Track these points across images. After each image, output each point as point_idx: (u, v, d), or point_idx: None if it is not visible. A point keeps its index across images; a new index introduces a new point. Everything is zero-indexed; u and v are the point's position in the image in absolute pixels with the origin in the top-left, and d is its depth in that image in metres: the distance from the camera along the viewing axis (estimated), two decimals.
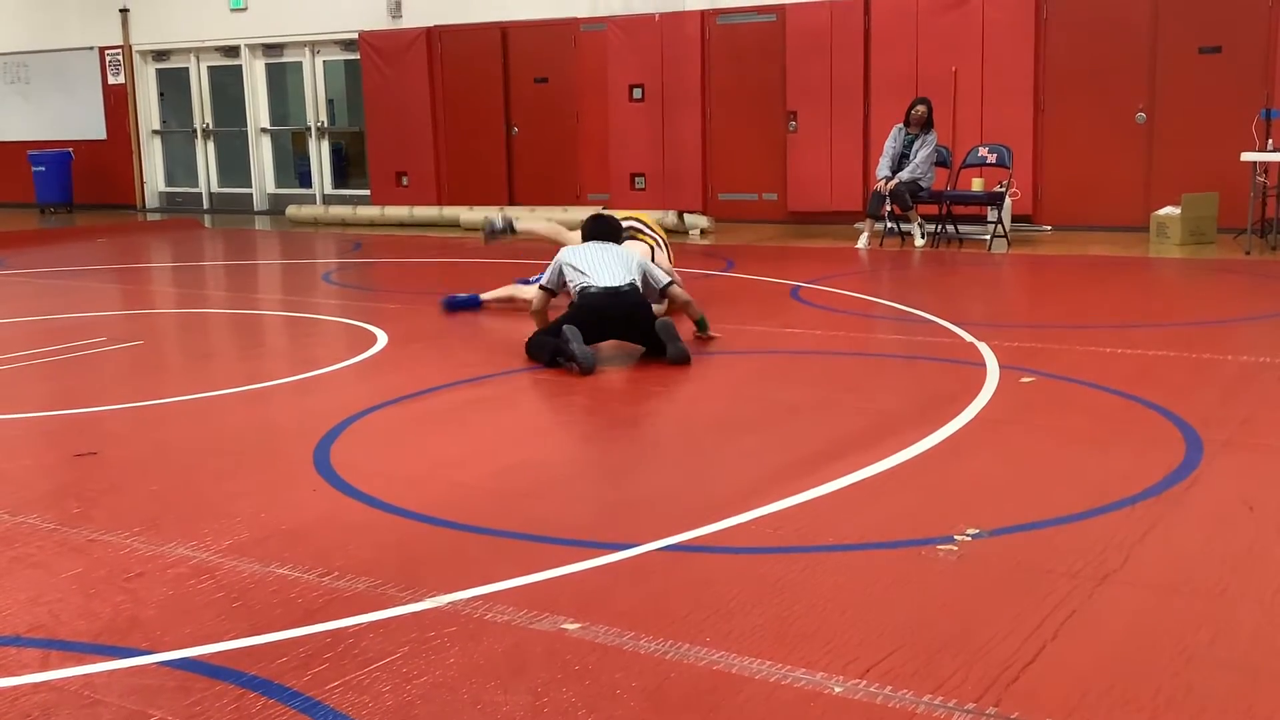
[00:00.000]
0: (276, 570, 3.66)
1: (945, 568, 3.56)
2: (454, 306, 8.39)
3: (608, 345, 6.78)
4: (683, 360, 6.47)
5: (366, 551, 3.81)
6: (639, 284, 6.78)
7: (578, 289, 6.78)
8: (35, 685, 2.96)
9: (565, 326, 6.44)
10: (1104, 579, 3.43)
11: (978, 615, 3.22)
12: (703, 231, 13.45)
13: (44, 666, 3.06)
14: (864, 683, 2.84)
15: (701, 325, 7.14)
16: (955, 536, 3.77)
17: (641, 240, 8.03)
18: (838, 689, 2.82)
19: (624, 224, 7.73)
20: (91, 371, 6.89)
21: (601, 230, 7.19)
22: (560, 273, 6.93)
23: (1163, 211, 11.41)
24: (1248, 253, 10.46)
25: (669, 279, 7.14)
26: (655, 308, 7.01)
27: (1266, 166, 10.78)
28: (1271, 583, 3.42)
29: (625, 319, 6.64)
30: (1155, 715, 2.67)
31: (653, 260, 7.48)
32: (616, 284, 6.68)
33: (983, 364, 6.26)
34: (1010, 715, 2.67)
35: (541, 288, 7.06)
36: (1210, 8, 11.79)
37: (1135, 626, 3.14)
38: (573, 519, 4.13)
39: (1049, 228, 12.69)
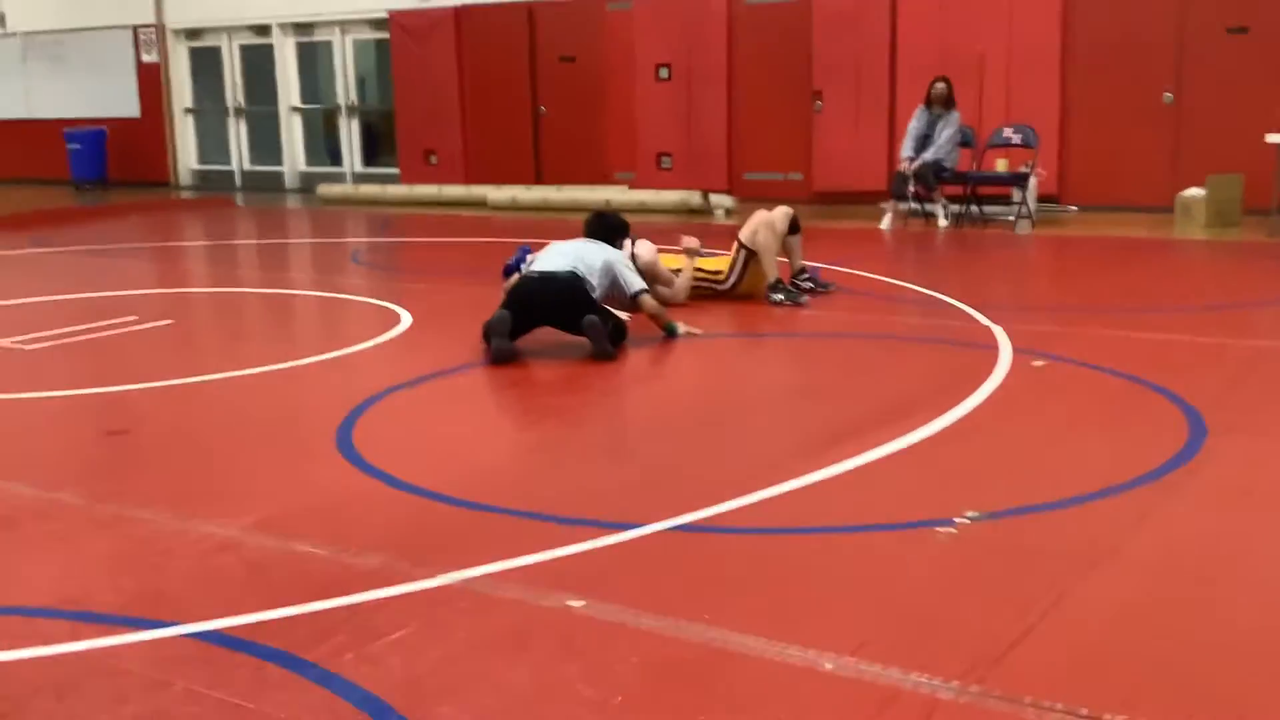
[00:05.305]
0: (296, 546, 3.79)
1: (941, 549, 3.66)
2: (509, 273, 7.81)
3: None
4: (604, 360, 6.29)
5: (383, 529, 3.94)
6: (584, 275, 6.54)
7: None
8: (64, 655, 3.11)
9: (497, 312, 6.36)
10: (1096, 562, 3.51)
11: (968, 596, 3.32)
12: (727, 211, 13.50)
13: (73, 637, 3.21)
14: (854, 660, 2.94)
15: (670, 331, 6.82)
16: (956, 519, 3.86)
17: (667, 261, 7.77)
18: (829, 665, 2.93)
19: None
20: (123, 350, 7.05)
21: (590, 229, 7.12)
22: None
23: (1188, 193, 11.37)
24: (1271, 235, 10.43)
25: (640, 287, 6.76)
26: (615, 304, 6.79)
27: None
28: (1263, 568, 3.50)
29: (556, 304, 6.45)
30: (1135, 694, 2.76)
31: (637, 265, 7.15)
32: (553, 270, 6.57)
33: (996, 348, 6.32)
34: (992, 693, 2.77)
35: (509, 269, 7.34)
36: None
37: (1123, 609, 3.23)
38: (583, 499, 4.24)
39: (1075, 208, 12.66)
